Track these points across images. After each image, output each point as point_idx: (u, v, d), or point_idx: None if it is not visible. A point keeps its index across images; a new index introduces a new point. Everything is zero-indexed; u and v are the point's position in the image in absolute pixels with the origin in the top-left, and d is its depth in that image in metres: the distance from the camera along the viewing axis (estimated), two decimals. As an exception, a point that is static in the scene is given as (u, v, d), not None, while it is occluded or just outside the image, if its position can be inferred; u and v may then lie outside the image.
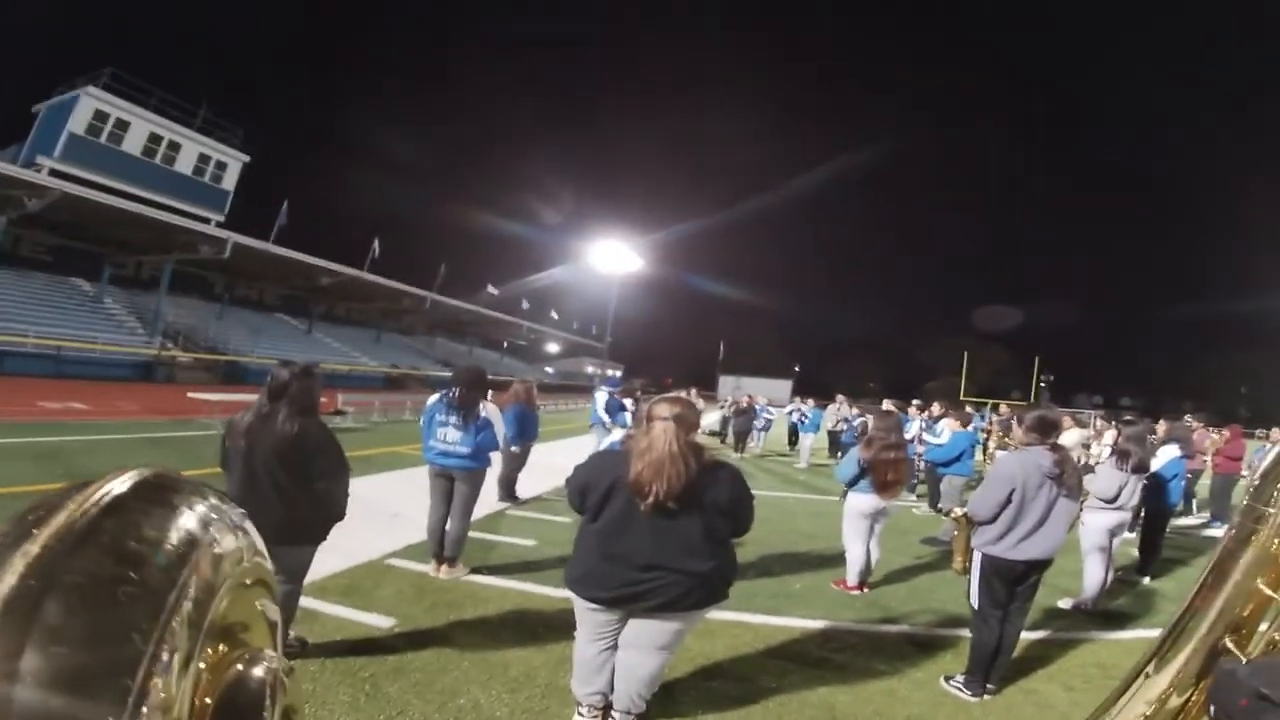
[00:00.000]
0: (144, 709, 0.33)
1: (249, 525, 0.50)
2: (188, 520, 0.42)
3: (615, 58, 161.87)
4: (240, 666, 0.44)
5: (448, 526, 5.48)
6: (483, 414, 5.43)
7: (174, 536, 0.40)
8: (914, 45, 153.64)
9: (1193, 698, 0.66)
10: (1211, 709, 0.60)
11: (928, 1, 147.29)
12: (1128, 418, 7.18)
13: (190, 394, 15.80)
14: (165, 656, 0.35)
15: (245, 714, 0.43)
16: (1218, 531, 10.05)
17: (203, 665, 0.39)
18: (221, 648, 0.42)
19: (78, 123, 30.11)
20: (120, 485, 0.40)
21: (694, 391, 18.40)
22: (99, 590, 0.35)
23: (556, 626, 4.21)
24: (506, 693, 3.62)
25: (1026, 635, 4.49)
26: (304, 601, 4.04)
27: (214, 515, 0.45)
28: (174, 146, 34.22)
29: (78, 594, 0.34)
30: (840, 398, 18.15)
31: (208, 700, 0.39)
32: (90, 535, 0.37)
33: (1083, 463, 8.25)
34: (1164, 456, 7.14)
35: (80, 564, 0.35)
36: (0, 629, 0.32)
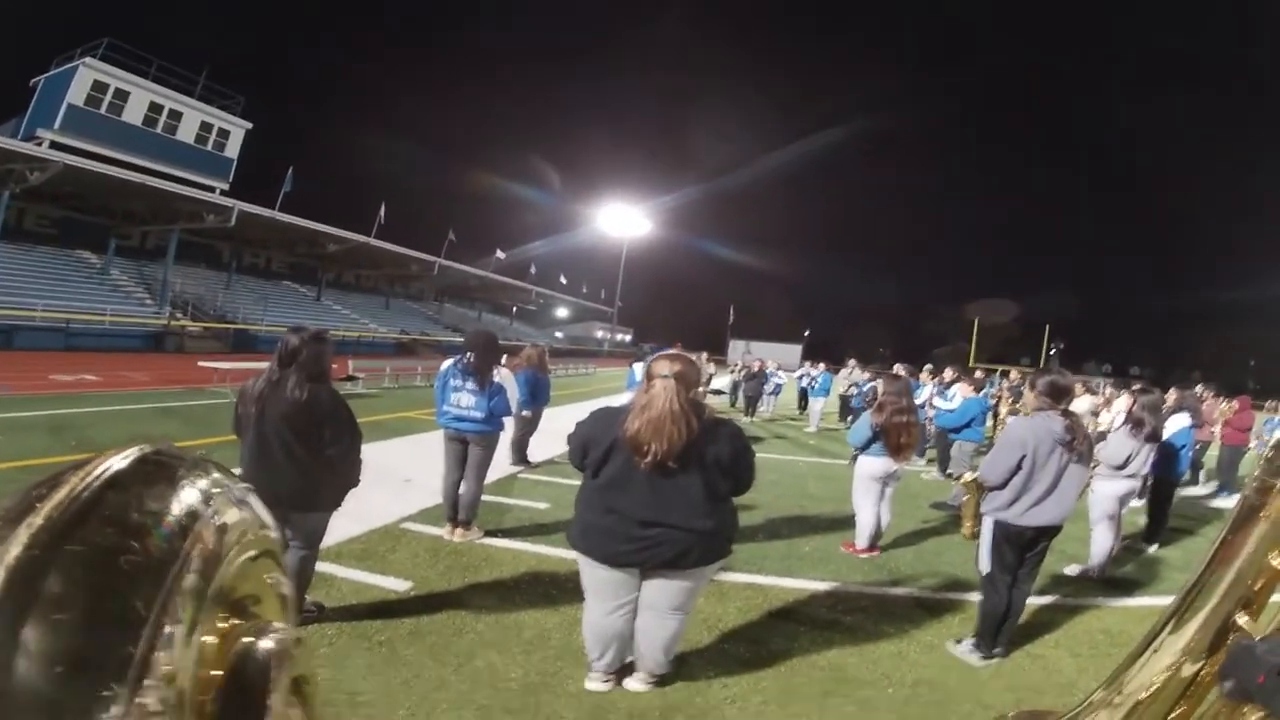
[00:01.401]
0: (146, 679, 0.34)
1: (253, 499, 0.49)
2: (189, 494, 0.43)
3: (623, 17, 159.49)
4: (247, 638, 0.44)
5: (461, 490, 5.54)
6: (496, 379, 5.47)
7: (175, 509, 0.41)
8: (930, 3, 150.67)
9: (1204, 670, 0.67)
10: (1225, 684, 0.61)
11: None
12: (1141, 386, 7.13)
13: (200, 363, 15.81)
14: (168, 627, 0.36)
15: (253, 685, 0.44)
16: (1224, 502, 10.10)
17: (209, 637, 0.40)
18: (229, 620, 0.42)
19: (76, 94, 29.79)
20: (121, 461, 0.41)
21: (704, 356, 18.45)
22: (101, 560, 0.36)
23: (570, 589, 4.22)
24: (521, 654, 3.68)
25: (1033, 601, 4.52)
26: (320, 566, 4.10)
27: (216, 489, 0.45)
28: (175, 115, 33.83)
29: (80, 563, 0.35)
30: (851, 362, 18.15)
31: (216, 672, 0.40)
32: (92, 507, 0.37)
33: (1092, 430, 8.23)
34: (1174, 425, 7.11)
35: (82, 534, 0.36)
36: (4, 597, 0.32)
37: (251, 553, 0.46)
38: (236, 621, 0.43)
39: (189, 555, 0.39)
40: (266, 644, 0.46)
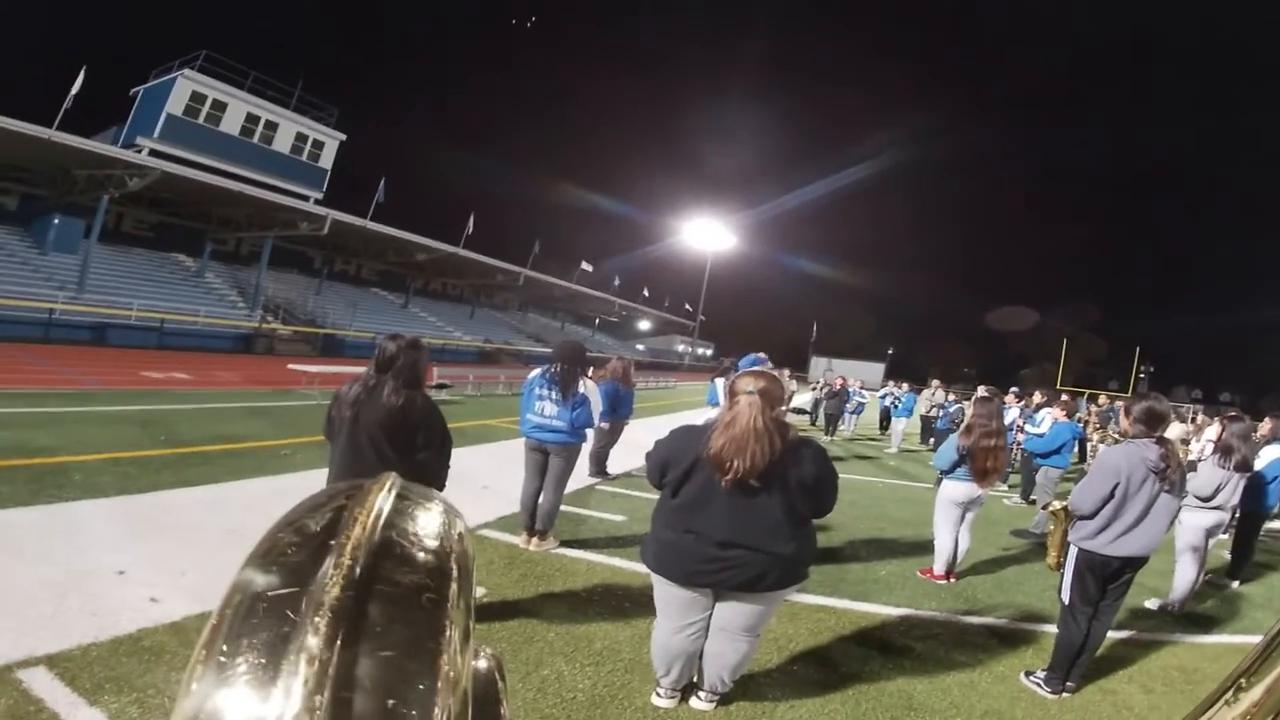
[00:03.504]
0: (448, 704, 0.38)
1: (464, 517, 0.52)
2: (436, 523, 0.47)
3: (711, 33, 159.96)
4: (473, 658, 0.48)
5: (540, 500, 5.60)
6: (581, 390, 5.53)
7: (441, 542, 0.45)
8: (1014, 13, 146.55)
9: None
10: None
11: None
12: (1232, 413, 6.78)
13: (290, 365, 16.19)
14: (459, 656, 0.40)
15: (488, 698, 0.50)
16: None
17: (479, 661, 0.47)
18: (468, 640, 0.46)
19: (175, 104, 31.03)
20: (386, 498, 0.45)
21: (786, 372, 18.29)
22: (408, 598, 0.40)
23: (642, 602, 4.24)
24: (590, 665, 3.72)
25: (1109, 635, 4.36)
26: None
27: (450, 515, 0.49)
28: (271, 126, 35.10)
29: (392, 602, 0.39)
30: (934, 383, 17.77)
31: (467, 690, 0.43)
32: (386, 548, 0.42)
33: (1184, 459, 7.88)
34: (1266, 456, 6.74)
35: (385, 574, 0.40)
36: (333, 635, 0.36)
37: (473, 571, 0.49)
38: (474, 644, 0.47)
39: (456, 585, 0.43)
40: (484, 662, 0.53)
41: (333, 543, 0.41)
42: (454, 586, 0.43)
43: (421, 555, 0.43)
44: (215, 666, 0.35)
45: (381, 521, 0.43)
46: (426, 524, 0.46)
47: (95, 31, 62.48)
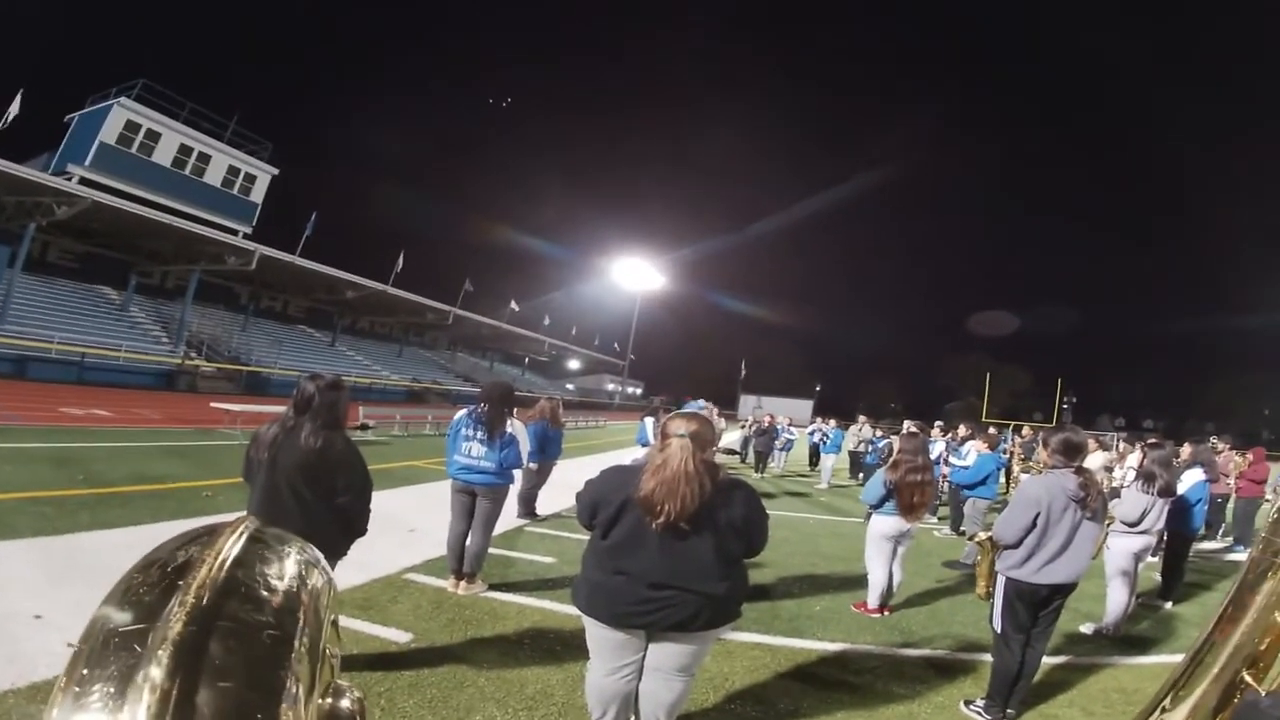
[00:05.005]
0: None
1: (325, 561, 0.56)
2: (290, 566, 0.50)
3: (638, 76, 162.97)
4: (331, 698, 0.52)
5: (468, 542, 5.49)
6: (509, 430, 5.46)
7: (289, 583, 0.48)
8: (935, 57, 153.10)
9: (1212, 728, 0.66)
10: (1232, 741, 0.59)
11: (941, 18, 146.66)
12: (1152, 440, 7.05)
13: (213, 404, 15.95)
14: (299, 690, 0.43)
15: None
16: (1240, 556, 9.93)
17: (323, 699, 0.48)
18: (325, 681, 0.50)
19: (109, 133, 30.62)
20: (237, 542, 0.49)
21: (714, 410, 18.37)
22: (249, 633, 0.43)
23: (575, 645, 4.15)
24: (523, 711, 3.62)
25: (1047, 660, 4.43)
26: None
27: (306, 558, 0.53)
28: (204, 158, 34.74)
29: (233, 636, 0.42)
30: (862, 418, 18.09)
31: None
32: (232, 586, 0.45)
33: (1106, 486, 8.14)
34: (1188, 480, 7.04)
35: (229, 611, 0.43)
36: (175, 667, 0.38)
37: (334, 616, 0.55)
38: (325, 679, 0.51)
39: (304, 624, 0.47)
40: (346, 702, 0.55)
41: (181, 583, 0.44)
42: (300, 624, 0.47)
43: (265, 595, 0.47)
44: (72, 696, 0.38)
45: (228, 563, 0.47)
46: (276, 567, 0.50)
47: (34, 55, 60.69)
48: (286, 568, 0.50)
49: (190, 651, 0.40)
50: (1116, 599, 5.87)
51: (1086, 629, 5.81)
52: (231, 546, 0.48)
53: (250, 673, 0.41)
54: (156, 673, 0.38)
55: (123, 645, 0.40)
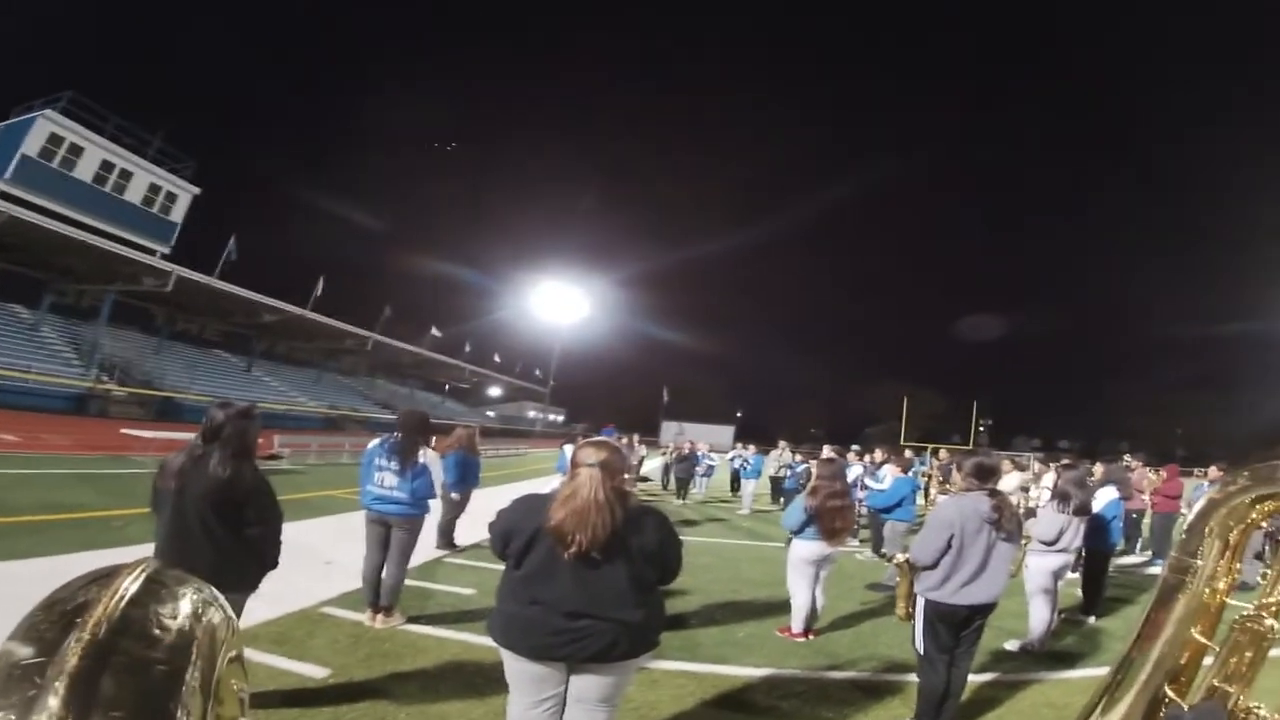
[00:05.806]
0: None
1: (224, 600, 0.60)
2: (185, 605, 0.53)
3: (558, 107, 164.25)
4: None
5: (384, 574, 5.35)
6: (421, 460, 5.35)
7: (182, 621, 0.52)
8: (856, 94, 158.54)
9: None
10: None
11: (878, 50, 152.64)
12: (1066, 460, 7.32)
13: (124, 430, 15.52)
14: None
15: None
16: (1159, 570, 10.36)
17: None
18: (219, 713, 0.53)
19: (32, 145, 29.25)
20: (134, 583, 0.52)
21: (635, 438, 18.35)
22: (140, 668, 0.47)
23: (496, 678, 4.02)
24: (443, 747, 3.49)
25: (975, 678, 4.50)
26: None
27: (203, 597, 0.56)
28: (125, 175, 33.41)
29: (125, 670, 0.46)
30: (782, 444, 18.33)
31: None
32: (125, 624, 0.48)
33: (1023, 506, 8.40)
34: (1103, 498, 7.31)
35: (122, 647, 0.47)
36: (70, 698, 0.43)
37: (232, 653, 0.57)
38: (222, 715, 0.54)
39: (196, 660, 0.50)
40: None
41: (79, 620, 0.48)
42: (193, 658, 0.50)
43: (158, 632, 0.50)
44: None
45: (124, 601, 0.50)
46: (170, 606, 0.53)
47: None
48: (181, 606, 0.52)
49: (85, 684, 0.43)
50: (1039, 616, 6.03)
51: (1011, 646, 5.93)
52: (129, 586, 0.50)
53: (140, 704, 0.45)
54: (54, 703, 0.43)
55: (24, 677, 0.44)
